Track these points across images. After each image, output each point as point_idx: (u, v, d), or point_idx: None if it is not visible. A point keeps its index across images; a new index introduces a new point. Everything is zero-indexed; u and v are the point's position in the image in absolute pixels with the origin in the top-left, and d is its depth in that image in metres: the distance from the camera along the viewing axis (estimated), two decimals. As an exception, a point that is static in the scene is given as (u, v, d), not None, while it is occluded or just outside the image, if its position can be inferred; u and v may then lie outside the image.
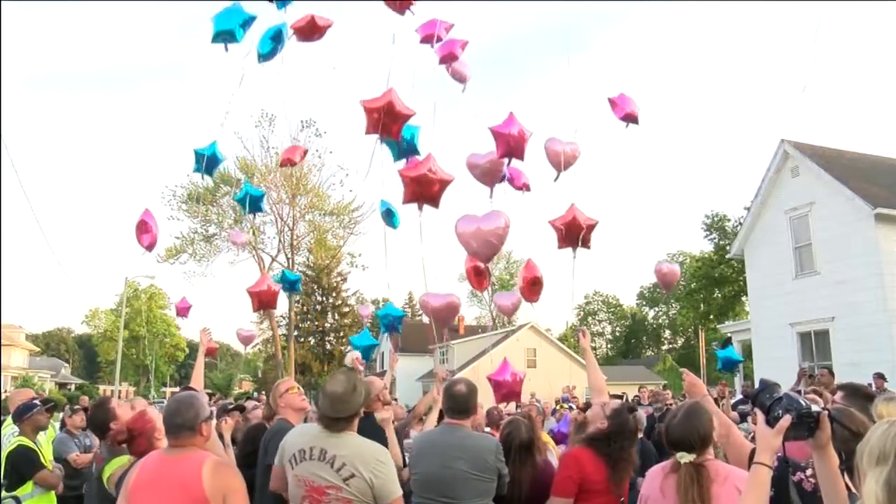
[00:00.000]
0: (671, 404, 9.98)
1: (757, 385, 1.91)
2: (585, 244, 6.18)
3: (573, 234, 6.15)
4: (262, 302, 7.72)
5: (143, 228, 6.85)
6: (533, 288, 6.66)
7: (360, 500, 2.71)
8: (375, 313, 9.11)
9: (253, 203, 8.96)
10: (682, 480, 2.57)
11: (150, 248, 6.98)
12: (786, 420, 1.72)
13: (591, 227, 6.20)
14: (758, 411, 1.83)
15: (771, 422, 1.78)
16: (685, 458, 2.59)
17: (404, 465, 3.93)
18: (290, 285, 9.89)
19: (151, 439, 3.22)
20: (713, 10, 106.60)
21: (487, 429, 6.47)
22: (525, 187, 7.18)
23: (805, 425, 1.74)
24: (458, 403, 3.48)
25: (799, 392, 2.00)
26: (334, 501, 2.71)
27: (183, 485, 2.60)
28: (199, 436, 2.78)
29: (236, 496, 2.63)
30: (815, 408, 1.76)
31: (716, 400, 11.67)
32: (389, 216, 7.64)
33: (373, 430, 3.56)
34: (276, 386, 4.31)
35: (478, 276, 7.08)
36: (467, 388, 3.53)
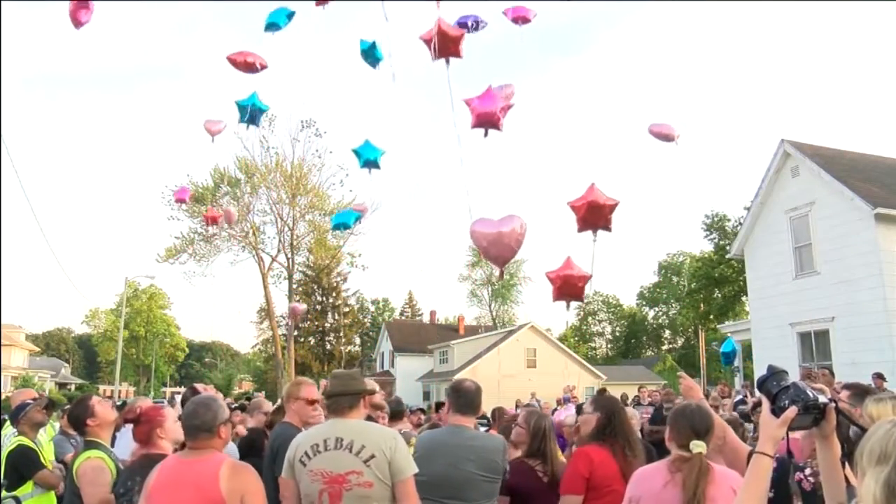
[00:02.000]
0: (678, 403, 9.99)
1: (765, 371, 1.86)
2: (606, 227, 6.02)
3: (593, 215, 6.00)
4: (244, 64, 7.88)
5: (80, 4, 6.81)
6: (568, 291, 6.42)
7: (381, 482, 2.74)
8: (354, 151, 8.76)
9: (252, 116, 8.46)
10: (693, 468, 2.62)
11: (84, 24, 6.92)
12: (791, 411, 1.69)
13: (611, 208, 6.04)
14: (763, 398, 1.79)
15: (776, 411, 1.73)
16: (702, 448, 2.67)
17: None
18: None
19: (153, 431, 3.23)
20: (713, 10, 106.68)
21: (483, 428, 6.49)
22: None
23: (810, 416, 1.71)
24: (469, 399, 3.47)
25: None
26: (356, 486, 2.73)
27: (200, 487, 2.61)
28: (218, 438, 2.78)
29: (254, 498, 2.63)
30: (822, 399, 1.72)
31: (714, 401, 11.74)
32: (372, 53, 7.80)
33: None
34: (297, 385, 4.03)
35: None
36: (475, 385, 3.56)
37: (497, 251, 6.08)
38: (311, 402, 3.90)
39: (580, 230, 6.06)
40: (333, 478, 2.75)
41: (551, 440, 3.69)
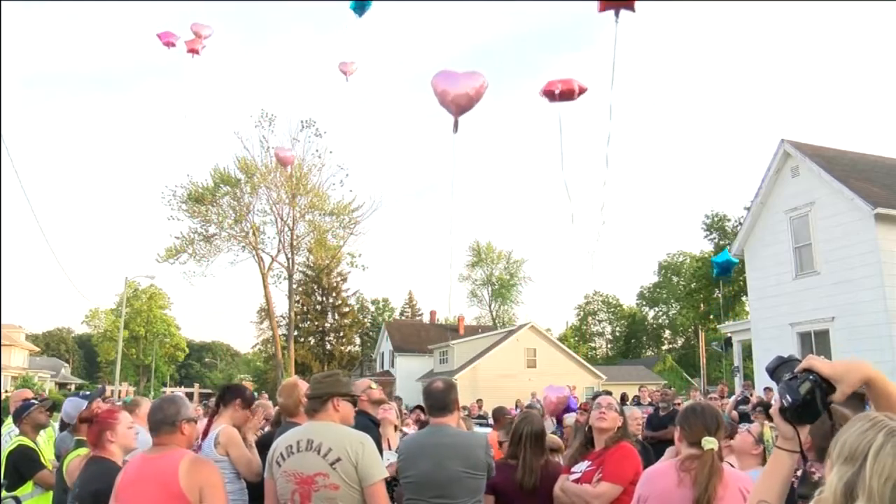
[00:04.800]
0: (678, 404, 10.03)
1: (772, 361, 1.73)
2: (629, 6, 5.82)
3: None
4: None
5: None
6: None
7: (347, 485, 2.79)
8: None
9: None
10: (705, 465, 2.64)
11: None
12: (774, 411, 1.65)
13: None
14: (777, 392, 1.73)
15: (783, 409, 1.62)
16: (714, 444, 2.70)
17: None
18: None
19: (102, 434, 3.24)
20: (713, 10, 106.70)
21: (489, 429, 6.49)
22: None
23: (808, 412, 1.57)
24: (437, 400, 3.50)
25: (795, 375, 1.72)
26: (322, 488, 2.79)
27: (161, 482, 2.68)
28: (180, 434, 2.86)
29: (213, 491, 2.69)
30: (803, 389, 1.55)
31: (712, 397, 11.86)
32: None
33: (367, 431, 3.58)
34: (297, 385, 4.08)
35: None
36: (444, 384, 3.58)
37: (453, 96, 6.16)
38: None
39: (601, 10, 5.85)
40: (303, 479, 2.82)
41: (528, 445, 3.64)
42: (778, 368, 1.70)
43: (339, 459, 2.80)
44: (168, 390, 59.33)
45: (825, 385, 1.55)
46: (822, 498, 1.30)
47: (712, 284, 40.71)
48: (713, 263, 15.25)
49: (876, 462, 1.23)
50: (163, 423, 2.84)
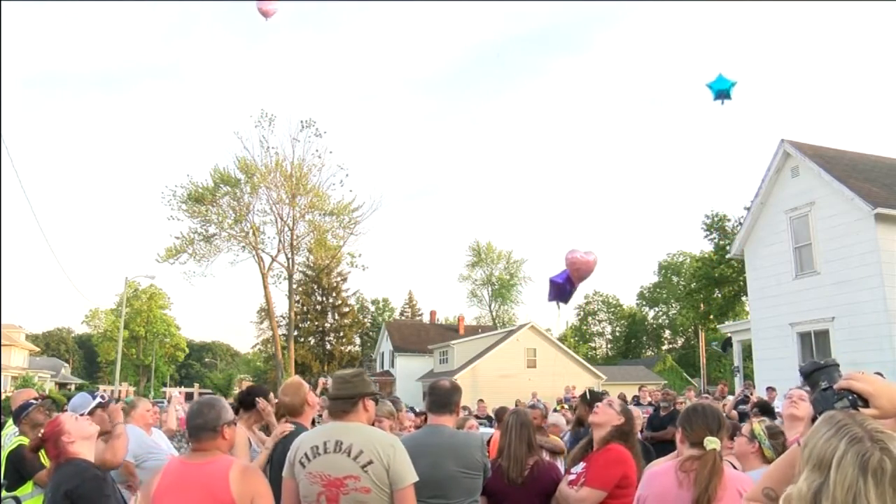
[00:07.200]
0: (680, 403, 10.03)
1: (808, 364, 1.71)
2: None
3: None
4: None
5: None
6: None
7: (378, 488, 2.71)
8: None
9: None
10: (706, 464, 2.63)
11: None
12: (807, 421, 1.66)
13: None
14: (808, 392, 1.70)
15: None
16: (716, 444, 2.69)
17: None
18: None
19: (58, 443, 3.11)
20: (712, 10, 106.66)
21: (492, 429, 6.49)
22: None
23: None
24: (440, 397, 3.52)
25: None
26: (353, 491, 2.70)
27: (209, 490, 2.59)
28: (222, 439, 2.76)
29: (263, 500, 2.64)
30: (838, 406, 1.52)
31: (704, 397, 12.24)
32: None
33: None
34: (302, 385, 4.04)
35: None
36: (451, 385, 3.62)
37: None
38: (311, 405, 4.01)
39: None
40: (331, 481, 2.72)
41: (514, 435, 3.68)
42: (813, 374, 1.68)
43: (370, 462, 2.71)
44: (168, 390, 59.32)
45: (862, 404, 1.52)
46: (791, 496, 1.33)
47: (712, 284, 40.66)
48: (709, 87, 14.39)
49: (838, 472, 1.26)
50: (203, 428, 2.72)
